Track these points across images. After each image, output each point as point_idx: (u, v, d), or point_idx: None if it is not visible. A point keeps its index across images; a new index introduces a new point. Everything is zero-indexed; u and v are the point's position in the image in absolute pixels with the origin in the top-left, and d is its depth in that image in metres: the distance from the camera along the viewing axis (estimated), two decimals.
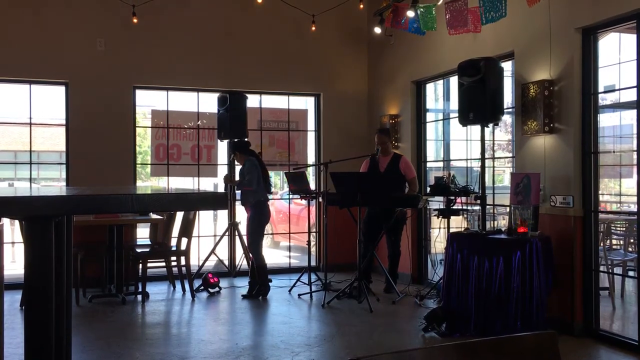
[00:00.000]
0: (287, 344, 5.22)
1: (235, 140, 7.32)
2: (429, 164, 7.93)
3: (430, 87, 7.95)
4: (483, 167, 6.02)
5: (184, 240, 7.11)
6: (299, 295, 6.97)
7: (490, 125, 5.93)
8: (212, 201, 1.83)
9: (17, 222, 7.25)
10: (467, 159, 7.58)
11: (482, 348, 1.50)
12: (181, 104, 8.69)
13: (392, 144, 7.59)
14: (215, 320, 6.17)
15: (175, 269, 7.17)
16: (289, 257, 8.84)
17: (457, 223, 7.42)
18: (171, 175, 8.27)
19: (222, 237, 7.92)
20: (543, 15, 5.51)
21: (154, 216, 6.96)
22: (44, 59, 7.46)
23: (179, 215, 7.29)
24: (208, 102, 8.33)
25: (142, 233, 8.35)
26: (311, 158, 8.91)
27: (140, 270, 6.82)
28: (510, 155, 8.65)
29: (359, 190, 6.41)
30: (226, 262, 8.14)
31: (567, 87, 5.31)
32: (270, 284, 7.05)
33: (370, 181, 6.70)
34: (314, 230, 8.70)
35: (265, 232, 7.28)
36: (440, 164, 8.02)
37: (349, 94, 8.76)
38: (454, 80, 6.99)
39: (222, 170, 8.51)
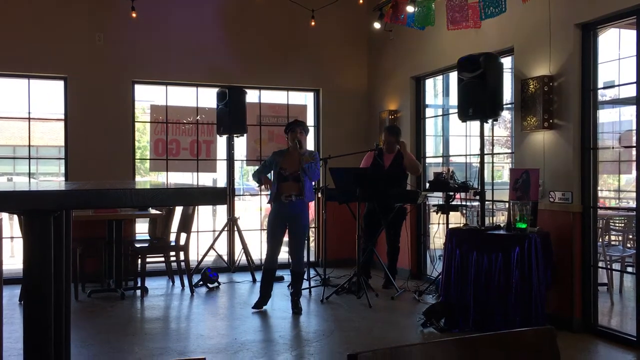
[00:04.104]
0: (286, 339, 5.22)
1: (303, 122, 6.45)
2: (428, 160, 7.93)
3: (429, 83, 7.94)
4: (482, 162, 6.02)
5: (183, 236, 7.12)
6: None
7: (490, 121, 5.93)
8: (211, 196, 1.83)
9: (15, 216, 7.25)
10: (466, 155, 7.58)
11: (481, 343, 1.50)
12: (180, 99, 8.67)
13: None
14: (214, 316, 6.17)
15: (174, 264, 7.17)
16: (288, 252, 8.84)
17: (456, 219, 7.42)
18: (170, 171, 8.26)
19: (221, 232, 7.92)
20: (543, 10, 5.51)
21: (153, 211, 6.96)
22: (42, 54, 7.45)
23: (178, 211, 7.29)
24: (207, 97, 8.32)
25: (141, 228, 8.35)
26: None
27: (139, 265, 6.82)
28: (510, 151, 8.65)
29: (358, 186, 6.41)
30: (225, 258, 8.15)
31: (567, 82, 5.31)
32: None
33: (370, 177, 6.70)
34: (313, 225, 8.70)
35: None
36: (440, 160, 8.02)
37: (349, 90, 8.75)
38: (453, 76, 6.98)
39: (222, 166, 8.50)
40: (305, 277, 7.23)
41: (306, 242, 7.59)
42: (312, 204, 7.71)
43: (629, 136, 6.89)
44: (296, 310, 6.02)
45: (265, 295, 6.15)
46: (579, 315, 5.27)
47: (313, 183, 6.16)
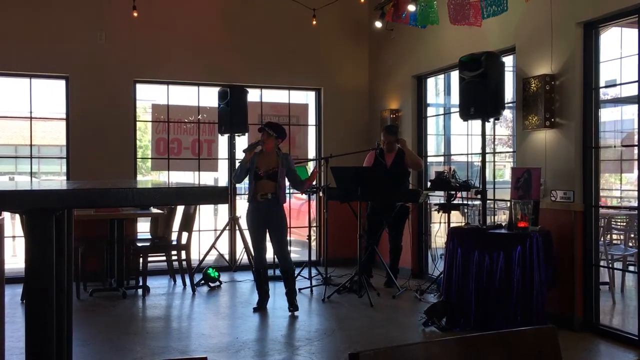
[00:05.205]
0: (287, 338, 5.23)
1: (275, 124, 6.33)
2: (429, 159, 7.93)
3: (431, 82, 7.94)
4: (484, 161, 6.02)
5: (185, 235, 7.12)
6: (300, 289, 6.96)
7: (491, 119, 5.93)
8: (212, 195, 1.83)
9: (17, 216, 7.25)
10: (467, 154, 7.57)
11: (482, 342, 1.50)
12: (182, 98, 8.68)
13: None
14: (216, 315, 6.18)
15: (175, 263, 7.17)
16: (289, 251, 8.83)
17: (458, 218, 7.42)
18: (172, 170, 8.27)
19: (222, 231, 7.93)
20: (544, 9, 5.50)
21: (154, 210, 6.96)
22: (44, 53, 7.45)
23: (180, 210, 7.30)
24: (209, 97, 8.32)
25: (143, 227, 8.35)
26: (312, 152, 8.91)
27: (140, 264, 6.82)
28: (511, 150, 8.64)
29: (360, 185, 6.40)
30: (227, 257, 8.16)
31: (568, 81, 5.30)
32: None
33: (371, 176, 6.69)
34: (315, 224, 8.70)
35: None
36: (441, 159, 8.02)
37: (350, 88, 8.75)
38: (454, 75, 6.98)
39: (223, 165, 8.49)
40: (307, 276, 7.24)
41: (305, 240, 7.62)
42: (310, 205, 7.71)
43: (632, 136, 6.89)
44: (292, 308, 5.97)
45: (263, 295, 6.15)
46: (581, 314, 5.26)
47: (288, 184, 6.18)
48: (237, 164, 6.33)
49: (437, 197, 7.31)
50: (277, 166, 5.92)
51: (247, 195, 6.30)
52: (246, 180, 6.18)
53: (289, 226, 6.23)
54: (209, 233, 8.51)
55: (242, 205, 8.59)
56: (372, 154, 7.21)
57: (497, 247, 5.15)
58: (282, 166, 5.92)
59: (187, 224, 7.14)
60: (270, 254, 6.45)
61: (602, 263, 5.68)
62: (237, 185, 8.09)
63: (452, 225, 6.28)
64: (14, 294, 6.43)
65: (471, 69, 5.65)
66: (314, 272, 7.39)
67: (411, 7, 6.50)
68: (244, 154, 5.97)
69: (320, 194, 7.77)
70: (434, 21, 6.45)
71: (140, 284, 6.86)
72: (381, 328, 5.50)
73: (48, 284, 1.72)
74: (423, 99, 7.83)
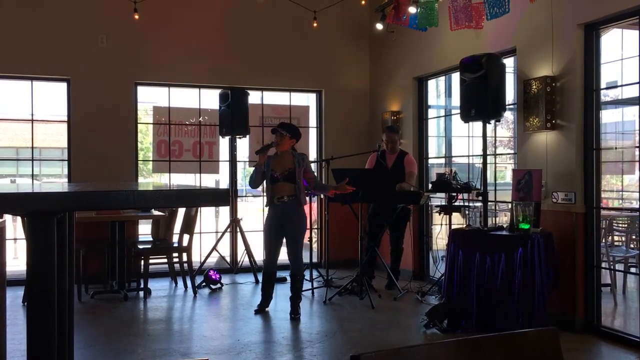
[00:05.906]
0: (288, 340, 5.23)
1: (288, 124, 6.27)
2: (430, 161, 7.93)
3: (431, 84, 7.94)
4: (485, 163, 6.01)
5: (186, 237, 7.12)
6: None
7: (492, 121, 5.92)
8: (213, 197, 1.83)
9: (19, 218, 7.26)
10: (468, 156, 7.57)
11: (483, 344, 1.50)
12: (183, 101, 8.68)
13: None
14: (217, 317, 6.18)
15: (177, 265, 7.17)
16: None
17: (459, 219, 7.41)
18: (173, 172, 8.27)
19: (223, 233, 7.92)
20: (545, 11, 5.50)
21: (155, 212, 6.97)
22: (45, 56, 7.46)
23: (181, 212, 7.30)
24: (210, 99, 8.33)
25: (144, 229, 8.36)
26: (313, 154, 8.91)
27: (142, 267, 6.83)
28: (512, 151, 8.64)
29: (361, 187, 6.40)
30: (228, 259, 8.15)
31: (569, 83, 5.30)
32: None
33: (373, 177, 6.69)
34: (316, 226, 8.70)
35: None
36: (442, 161, 8.01)
37: (351, 90, 8.75)
38: (455, 77, 6.98)
39: (224, 167, 8.49)
40: (308, 278, 7.23)
41: (306, 242, 7.61)
42: (310, 207, 7.71)
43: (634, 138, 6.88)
44: (295, 315, 5.87)
45: (267, 297, 6.12)
46: (582, 315, 5.26)
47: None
48: (252, 169, 6.18)
49: (438, 199, 7.31)
50: (294, 167, 5.80)
51: (254, 198, 6.27)
52: (247, 183, 6.15)
53: (307, 228, 6.07)
54: (210, 235, 8.51)
55: (244, 208, 8.60)
56: (374, 156, 7.21)
57: (498, 248, 5.15)
58: (298, 166, 5.81)
59: (189, 226, 7.14)
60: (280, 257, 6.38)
61: (603, 265, 5.67)
62: (239, 188, 8.09)
63: (453, 227, 6.28)
64: (15, 297, 6.43)
65: (472, 70, 5.65)
66: (315, 274, 7.39)
67: (412, 10, 6.50)
68: (257, 157, 5.88)
69: (322, 196, 7.76)
70: (433, 23, 6.44)
71: (142, 286, 6.86)
72: (382, 330, 5.50)
73: (49, 286, 1.72)
74: (424, 101, 7.83)
